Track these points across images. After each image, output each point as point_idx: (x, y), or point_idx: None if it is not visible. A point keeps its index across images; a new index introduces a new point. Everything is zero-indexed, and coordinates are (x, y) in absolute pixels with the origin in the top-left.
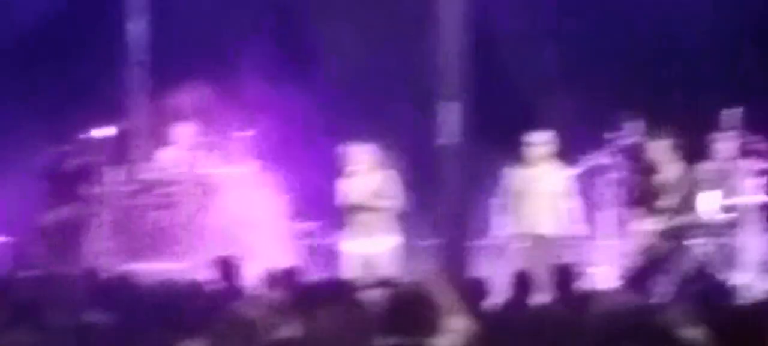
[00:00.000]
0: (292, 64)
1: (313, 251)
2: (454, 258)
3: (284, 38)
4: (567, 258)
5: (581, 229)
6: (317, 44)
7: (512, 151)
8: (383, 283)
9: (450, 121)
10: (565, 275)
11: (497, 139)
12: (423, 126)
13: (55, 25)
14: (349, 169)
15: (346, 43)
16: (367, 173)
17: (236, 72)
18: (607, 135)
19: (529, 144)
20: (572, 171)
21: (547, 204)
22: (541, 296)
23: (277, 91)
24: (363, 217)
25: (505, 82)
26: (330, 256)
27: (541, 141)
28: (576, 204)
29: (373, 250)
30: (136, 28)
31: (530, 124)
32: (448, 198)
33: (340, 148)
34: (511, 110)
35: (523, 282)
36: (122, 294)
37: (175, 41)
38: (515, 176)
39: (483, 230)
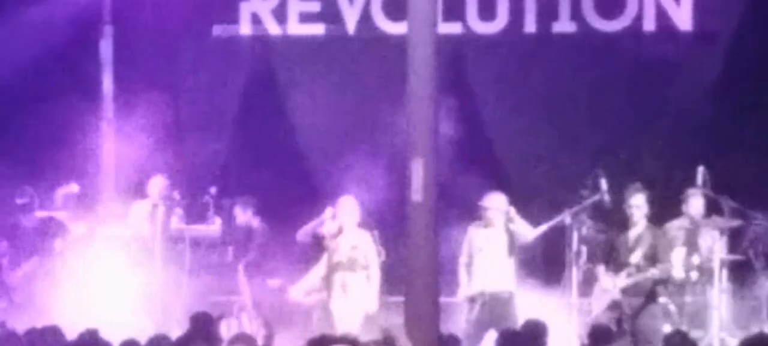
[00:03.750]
0: (265, 119)
1: (283, 307)
2: (422, 314)
3: (256, 95)
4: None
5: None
6: (292, 101)
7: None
8: (347, 340)
9: (419, 178)
10: (533, 333)
11: (465, 196)
12: (393, 183)
13: (26, 81)
14: (330, 226)
15: (319, 100)
16: (346, 231)
17: (206, 127)
18: (575, 193)
19: (485, 206)
20: (533, 230)
21: (504, 263)
22: None
23: (249, 147)
24: (341, 274)
25: (473, 140)
26: (298, 312)
27: (495, 203)
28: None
29: (350, 308)
30: (107, 84)
31: (497, 182)
32: (416, 253)
33: (323, 205)
34: (478, 169)
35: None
36: None
37: (146, 96)
38: (474, 236)
39: (451, 287)
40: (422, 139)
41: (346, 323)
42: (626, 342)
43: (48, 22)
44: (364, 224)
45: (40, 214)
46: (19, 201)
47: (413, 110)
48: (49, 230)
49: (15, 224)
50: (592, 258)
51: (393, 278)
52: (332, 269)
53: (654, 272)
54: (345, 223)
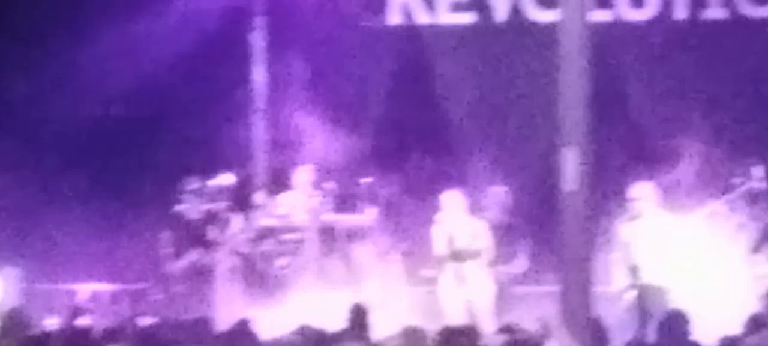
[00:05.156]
0: (413, 109)
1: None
2: (577, 304)
3: (404, 85)
4: (681, 304)
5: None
6: (442, 91)
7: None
8: (506, 329)
9: (572, 167)
10: (678, 322)
11: (617, 185)
12: (545, 171)
13: (178, 73)
14: (442, 215)
15: (468, 90)
16: (461, 220)
17: (356, 118)
18: (729, 180)
19: (633, 197)
20: (684, 218)
21: (656, 253)
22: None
23: (398, 137)
24: (461, 262)
25: (623, 129)
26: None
27: (643, 193)
28: (688, 252)
29: (472, 296)
30: (257, 76)
31: (646, 171)
32: (570, 243)
33: (473, 195)
34: (631, 157)
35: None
36: (244, 341)
37: (297, 88)
38: (624, 228)
39: (605, 276)
40: (574, 128)
41: (463, 313)
42: None
43: (199, 13)
44: (478, 213)
45: (204, 205)
46: (188, 188)
47: (565, 99)
48: (209, 221)
49: (177, 214)
50: (750, 245)
51: (546, 268)
52: (449, 258)
53: None
54: (454, 216)
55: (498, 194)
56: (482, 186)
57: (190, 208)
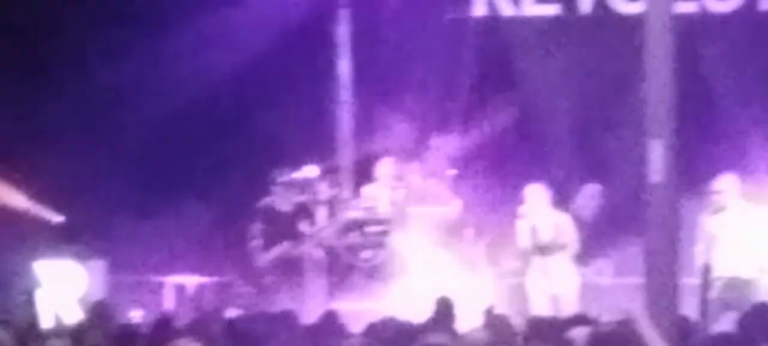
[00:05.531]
0: (498, 103)
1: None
2: (662, 296)
3: (489, 77)
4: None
5: None
6: (526, 84)
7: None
8: (582, 320)
9: (659, 158)
10: (764, 313)
11: (701, 176)
12: (631, 164)
13: (263, 65)
14: (526, 208)
15: (552, 82)
16: (544, 213)
17: (440, 111)
18: None
19: (717, 190)
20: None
21: (742, 246)
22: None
23: (482, 130)
24: (545, 256)
25: (711, 120)
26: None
27: (728, 186)
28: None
29: (558, 288)
30: (342, 68)
31: (730, 163)
32: (655, 235)
33: (559, 188)
34: (711, 149)
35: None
36: (331, 334)
37: (380, 81)
38: (709, 220)
39: (690, 268)
40: (660, 120)
41: (548, 305)
42: None
43: (284, 6)
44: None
45: (293, 197)
46: (278, 180)
47: (650, 91)
48: (299, 213)
49: (266, 207)
50: None
51: (632, 261)
52: (534, 251)
53: None
54: (537, 209)
55: (590, 190)
56: (567, 180)
57: (279, 200)
